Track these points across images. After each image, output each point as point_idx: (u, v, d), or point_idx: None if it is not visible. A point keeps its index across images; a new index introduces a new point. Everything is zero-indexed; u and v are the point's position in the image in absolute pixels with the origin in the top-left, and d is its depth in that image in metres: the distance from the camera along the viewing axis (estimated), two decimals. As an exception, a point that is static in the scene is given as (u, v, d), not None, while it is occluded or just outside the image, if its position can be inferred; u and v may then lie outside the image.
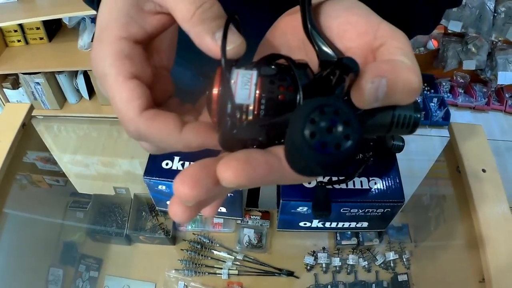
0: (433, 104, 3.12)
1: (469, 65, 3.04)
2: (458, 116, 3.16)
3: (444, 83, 3.27)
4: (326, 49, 0.38)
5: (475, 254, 0.81)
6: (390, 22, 0.41)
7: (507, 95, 3.25)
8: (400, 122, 0.35)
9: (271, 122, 0.34)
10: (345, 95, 0.34)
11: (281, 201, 0.71)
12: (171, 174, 0.73)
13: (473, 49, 2.99)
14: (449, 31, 2.90)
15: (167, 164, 0.74)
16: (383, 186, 0.72)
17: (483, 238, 0.79)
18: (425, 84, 3.26)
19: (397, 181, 0.73)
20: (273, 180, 0.33)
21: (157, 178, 0.74)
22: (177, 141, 0.36)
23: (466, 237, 0.88)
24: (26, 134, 1.08)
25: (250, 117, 0.35)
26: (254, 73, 0.35)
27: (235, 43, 0.36)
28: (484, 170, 0.89)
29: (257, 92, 0.34)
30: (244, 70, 0.35)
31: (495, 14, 2.80)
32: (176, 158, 0.74)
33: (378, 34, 0.38)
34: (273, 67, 0.36)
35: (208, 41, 0.36)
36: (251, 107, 0.35)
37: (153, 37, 0.41)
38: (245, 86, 0.35)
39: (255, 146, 0.35)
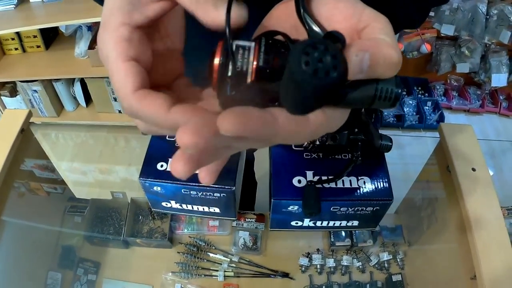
0: (427, 107, 3.14)
1: (463, 68, 3.06)
2: (452, 119, 3.18)
3: (438, 87, 3.28)
4: (316, 29, 0.42)
5: (467, 251, 0.83)
6: None
7: (501, 97, 3.28)
8: (382, 95, 0.38)
9: (266, 86, 0.38)
10: None
11: (272, 200, 0.73)
12: (166, 175, 0.75)
13: (467, 52, 3.01)
14: (442, 35, 2.92)
15: (162, 166, 0.76)
16: (372, 185, 0.74)
17: (473, 236, 0.81)
18: (419, 88, 3.27)
19: (386, 180, 0.75)
20: (266, 133, 0.36)
21: (152, 180, 0.75)
22: (164, 120, 0.38)
23: (457, 235, 0.90)
24: (25, 140, 1.09)
25: (248, 81, 0.38)
26: (252, 44, 0.39)
27: (238, 13, 0.40)
28: (474, 169, 0.90)
29: (255, 61, 0.38)
30: (243, 42, 0.39)
31: (488, 17, 2.82)
32: (170, 160, 0.76)
33: (362, 18, 0.41)
34: (270, 41, 0.40)
35: (212, 12, 0.40)
36: (249, 74, 0.38)
37: (154, 21, 0.44)
38: (244, 55, 0.38)
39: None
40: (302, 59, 0.33)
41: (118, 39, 0.41)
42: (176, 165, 0.38)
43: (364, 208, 0.75)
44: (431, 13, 2.79)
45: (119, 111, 2.99)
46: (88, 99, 3.05)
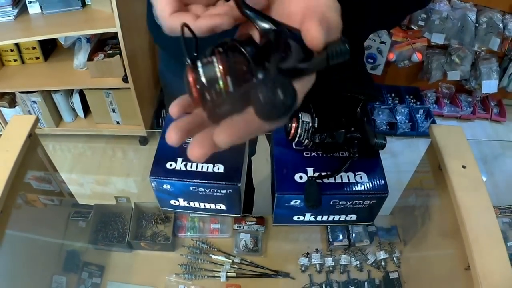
0: (419, 115, 3.18)
1: (454, 75, 3.11)
2: (444, 125, 3.21)
3: (429, 95, 3.32)
4: (262, 23, 0.49)
5: (460, 244, 0.86)
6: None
7: (492, 104, 3.33)
8: (334, 52, 0.45)
9: (239, 89, 0.45)
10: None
11: (276, 195, 0.78)
12: (175, 174, 0.79)
13: (457, 60, 3.05)
14: (433, 43, 2.97)
15: (171, 165, 0.81)
16: (368, 180, 0.79)
17: (466, 228, 0.85)
18: (411, 96, 3.32)
19: (381, 175, 0.79)
20: (253, 131, 0.46)
21: (162, 178, 0.80)
22: (194, 26, 0.50)
23: (450, 229, 0.94)
24: (32, 145, 1.12)
25: (222, 89, 0.45)
26: (213, 58, 0.46)
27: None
28: (464, 166, 0.95)
29: (221, 70, 0.45)
30: (205, 59, 0.46)
31: (477, 25, 2.87)
32: (179, 160, 0.81)
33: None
34: (227, 51, 0.47)
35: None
36: (220, 85, 0.45)
37: None
38: (210, 72, 0.45)
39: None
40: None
41: None
42: (170, 135, 0.49)
43: (362, 202, 0.79)
44: (421, 23, 2.84)
45: (117, 122, 3.02)
46: (86, 110, 3.06)
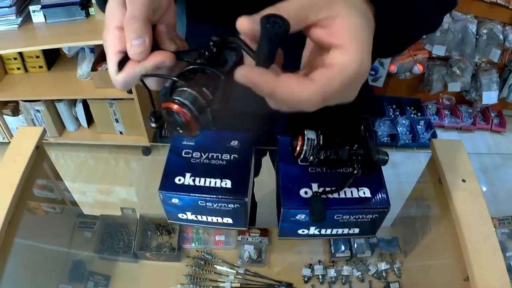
0: (420, 126, 3.20)
1: (454, 87, 3.13)
2: (445, 137, 3.24)
3: (430, 106, 3.35)
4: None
5: (459, 255, 0.89)
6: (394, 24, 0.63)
7: (492, 114, 3.36)
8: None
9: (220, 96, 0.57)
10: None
11: (282, 210, 0.80)
12: (183, 188, 0.82)
13: (458, 71, 3.08)
14: (434, 55, 2.99)
15: (179, 180, 0.83)
16: (371, 195, 0.81)
17: (465, 240, 0.87)
18: (412, 108, 3.34)
19: (383, 190, 0.82)
20: (266, 85, 0.52)
21: (171, 192, 0.82)
22: (140, 67, 0.59)
23: (449, 241, 0.96)
24: (39, 157, 1.13)
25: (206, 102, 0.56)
26: (187, 89, 0.56)
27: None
28: (464, 180, 0.97)
29: (194, 91, 0.55)
30: (180, 91, 0.56)
31: (478, 37, 2.90)
32: (188, 175, 0.83)
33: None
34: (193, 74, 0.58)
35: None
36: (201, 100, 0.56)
37: None
38: (188, 96, 0.55)
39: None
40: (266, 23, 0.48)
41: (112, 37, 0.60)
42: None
43: (364, 216, 0.82)
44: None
45: (121, 132, 3.03)
46: (89, 119, 3.08)
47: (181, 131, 0.59)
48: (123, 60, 0.59)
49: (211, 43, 0.58)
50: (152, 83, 0.62)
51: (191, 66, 0.58)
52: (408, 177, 1.31)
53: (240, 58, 0.59)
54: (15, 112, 3.05)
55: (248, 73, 0.51)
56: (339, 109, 0.60)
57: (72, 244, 1.39)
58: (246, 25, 0.52)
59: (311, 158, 0.80)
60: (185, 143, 0.90)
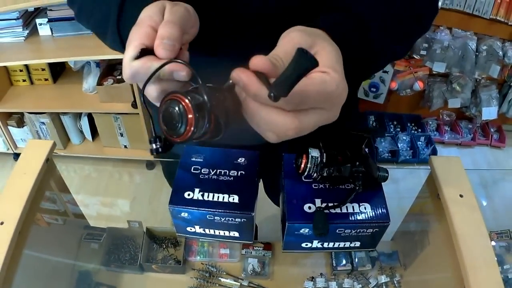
0: (420, 142, 3.23)
1: (454, 103, 3.15)
2: (445, 153, 3.27)
3: (430, 122, 3.38)
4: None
5: (456, 269, 0.92)
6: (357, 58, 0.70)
7: (492, 130, 3.38)
8: None
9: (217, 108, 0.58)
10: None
11: (287, 224, 0.84)
12: (193, 203, 0.85)
13: (458, 87, 3.10)
14: (434, 72, 3.01)
15: (189, 194, 0.86)
16: (372, 210, 0.85)
17: (462, 254, 0.90)
18: (413, 124, 3.37)
19: (383, 205, 0.86)
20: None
21: (180, 206, 0.86)
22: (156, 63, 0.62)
23: (447, 255, 0.99)
24: (49, 170, 1.16)
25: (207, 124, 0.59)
26: (180, 106, 0.58)
27: None
28: (461, 195, 1.00)
29: (189, 114, 0.57)
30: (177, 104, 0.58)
31: (477, 53, 2.92)
32: (197, 190, 0.87)
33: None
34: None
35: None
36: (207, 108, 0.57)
37: None
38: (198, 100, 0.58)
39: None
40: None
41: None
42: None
43: (365, 230, 0.86)
44: (423, 52, 2.89)
45: (125, 146, 3.05)
46: (94, 133, 3.10)
47: (175, 137, 0.60)
48: (144, 51, 0.61)
49: (230, 81, 0.60)
50: (152, 92, 0.64)
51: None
52: (408, 192, 1.34)
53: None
54: (20, 123, 3.07)
55: (244, 73, 0.55)
56: (342, 129, 0.65)
57: (79, 255, 1.41)
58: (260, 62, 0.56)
59: (315, 175, 0.84)
60: (194, 159, 0.94)
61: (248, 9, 0.83)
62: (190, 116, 0.57)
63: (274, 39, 0.63)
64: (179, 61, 0.61)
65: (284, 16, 0.78)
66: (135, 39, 0.62)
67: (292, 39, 0.61)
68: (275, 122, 0.58)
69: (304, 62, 0.51)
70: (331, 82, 0.58)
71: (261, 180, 1.39)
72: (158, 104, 0.64)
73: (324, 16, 0.74)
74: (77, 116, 3.05)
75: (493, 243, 1.36)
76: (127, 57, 0.62)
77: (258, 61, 0.55)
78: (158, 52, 0.61)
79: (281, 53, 0.59)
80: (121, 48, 0.76)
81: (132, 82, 0.64)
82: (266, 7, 0.83)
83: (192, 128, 0.58)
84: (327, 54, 0.61)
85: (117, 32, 0.77)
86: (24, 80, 3.02)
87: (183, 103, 0.57)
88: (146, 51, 0.61)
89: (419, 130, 3.34)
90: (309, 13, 0.78)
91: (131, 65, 0.61)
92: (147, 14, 0.65)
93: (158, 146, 0.65)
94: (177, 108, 0.58)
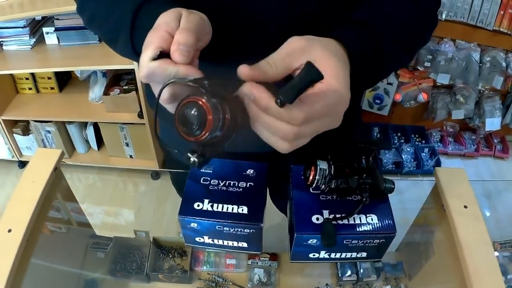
0: (424, 154, 3.23)
1: (458, 114, 3.16)
2: (448, 164, 3.28)
3: (434, 133, 3.38)
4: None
5: (461, 279, 0.93)
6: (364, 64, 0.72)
7: (495, 140, 3.39)
8: None
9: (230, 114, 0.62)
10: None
11: (295, 234, 0.85)
12: (202, 213, 0.87)
13: (461, 99, 3.10)
14: (438, 84, 3.02)
15: (198, 205, 0.88)
16: (378, 221, 0.86)
17: (466, 264, 0.90)
18: (417, 135, 3.37)
19: (389, 216, 0.87)
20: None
21: (190, 217, 0.87)
22: (172, 67, 0.64)
23: (452, 265, 1.00)
24: (57, 178, 1.17)
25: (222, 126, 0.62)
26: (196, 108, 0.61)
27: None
28: (465, 206, 1.01)
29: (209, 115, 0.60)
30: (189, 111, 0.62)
31: (481, 65, 2.93)
32: (206, 201, 0.88)
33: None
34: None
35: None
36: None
37: None
38: (199, 116, 0.61)
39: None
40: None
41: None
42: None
43: (372, 241, 0.87)
44: (427, 64, 2.91)
45: (130, 156, 3.06)
46: (100, 142, 3.11)
47: (192, 138, 0.63)
48: (161, 54, 0.64)
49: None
50: (164, 94, 0.66)
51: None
52: (413, 203, 1.35)
53: None
54: (26, 131, 3.09)
55: (255, 88, 0.60)
56: (350, 142, 0.67)
57: (85, 264, 1.41)
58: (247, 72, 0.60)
59: (323, 186, 0.85)
60: (203, 170, 0.96)
61: (260, 19, 0.86)
62: (209, 117, 0.60)
63: None
64: (194, 68, 0.65)
65: (295, 28, 0.81)
66: (154, 42, 0.65)
67: (289, 44, 0.66)
68: (275, 128, 0.62)
69: (311, 74, 0.55)
70: (334, 93, 0.62)
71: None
72: (168, 107, 0.68)
73: (338, 28, 0.78)
74: (83, 125, 3.07)
75: (496, 253, 1.36)
76: (145, 57, 0.64)
77: (243, 71, 0.61)
78: (174, 57, 0.63)
79: (276, 57, 0.64)
80: (132, 55, 0.80)
81: (147, 81, 0.67)
82: (278, 17, 0.86)
83: (209, 130, 0.61)
84: (327, 61, 0.64)
85: (130, 39, 0.79)
86: (30, 88, 3.05)
87: (203, 104, 0.60)
88: (163, 54, 0.64)
89: (423, 141, 3.35)
90: (320, 26, 0.80)
91: (149, 65, 0.64)
92: (164, 20, 0.68)
93: (197, 157, 0.67)
94: (195, 110, 0.61)
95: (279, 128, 0.61)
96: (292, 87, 0.56)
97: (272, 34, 0.81)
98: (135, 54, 0.76)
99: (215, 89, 0.61)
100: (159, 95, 0.65)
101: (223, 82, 0.63)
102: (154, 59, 0.64)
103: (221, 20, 0.80)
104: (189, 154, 0.66)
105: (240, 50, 0.88)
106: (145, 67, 0.64)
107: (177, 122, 0.64)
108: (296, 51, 0.64)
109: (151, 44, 0.65)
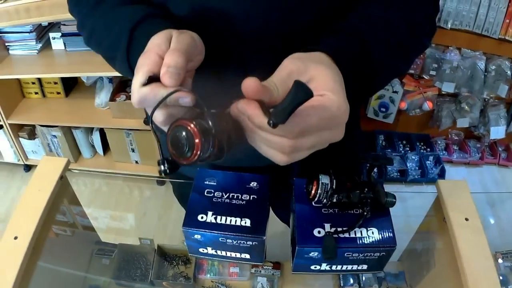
0: (429, 162, 3.24)
1: (463, 122, 3.16)
2: (453, 172, 3.28)
3: (439, 141, 3.38)
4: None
5: None
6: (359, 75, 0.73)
7: (500, 149, 3.39)
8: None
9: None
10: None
11: (297, 247, 0.86)
12: (206, 225, 0.88)
13: (466, 107, 3.10)
14: (443, 92, 3.03)
15: (202, 217, 0.89)
16: (379, 235, 0.87)
17: (466, 276, 0.92)
18: (422, 143, 3.37)
19: (390, 230, 0.88)
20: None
21: (193, 229, 0.88)
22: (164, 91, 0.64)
23: (452, 276, 1.01)
24: (63, 186, 1.19)
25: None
26: (186, 130, 0.63)
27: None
28: (467, 219, 1.02)
29: (196, 139, 0.61)
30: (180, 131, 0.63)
31: (486, 73, 2.93)
32: (210, 213, 0.90)
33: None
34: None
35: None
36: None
37: None
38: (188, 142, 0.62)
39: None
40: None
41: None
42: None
43: (372, 254, 0.88)
44: (433, 72, 2.91)
45: (136, 162, 3.07)
46: (105, 147, 3.11)
47: (182, 159, 0.65)
48: (152, 79, 0.64)
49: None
50: (159, 116, 0.67)
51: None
52: (416, 210, 1.36)
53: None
54: (32, 135, 3.10)
55: (249, 106, 0.60)
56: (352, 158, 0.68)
57: (90, 270, 1.43)
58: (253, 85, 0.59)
59: (325, 200, 0.87)
60: (207, 183, 0.97)
61: (250, 33, 0.86)
62: (196, 140, 0.61)
63: (277, 63, 0.67)
64: (184, 89, 0.65)
65: (285, 40, 0.84)
66: (144, 66, 0.66)
67: (286, 67, 0.65)
68: (273, 141, 0.62)
69: (300, 93, 0.55)
70: (331, 106, 0.62)
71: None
72: (164, 128, 0.68)
73: (326, 38, 0.78)
74: (89, 130, 3.07)
75: (500, 260, 1.37)
76: (136, 83, 0.65)
77: (251, 84, 0.59)
78: (163, 80, 0.64)
79: (275, 80, 0.63)
80: (129, 73, 0.81)
81: (139, 107, 0.67)
82: (267, 29, 0.86)
83: (199, 152, 0.62)
84: (323, 77, 0.65)
85: (127, 58, 0.81)
86: (36, 93, 3.06)
87: (190, 129, 0.61)
88: (153, 78, 0.64)
89: (428, 149, 3.34)
90: (311, 35, 0.81)
91: (140, 91, 0.64)
92: (155, 43, 0.69)
93: (166, 168, 0.68)
94: (184, 134, 0.62)
95: (275, 142, 0.62)
96: (283, 108, 0.56)
97: (267, 49, 0.83)
98: (133, 73, 0.78)
99: (207, 108, 0.63)
100: (151, 119, 0.66)
101: (214, 101, 0.64)
102: (145, 84, 0.64)
103: (217, 36, 0.82)
104: (159, 161, 0.68)
105: (235, 65, 0.90)
106: (136, 92, 0.65)
107: (168, 144, 0.65)
108: (293, 73, 0.64)
109: (141, 69, 0.66)
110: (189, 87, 0.69)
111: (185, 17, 0.84)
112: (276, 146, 0.63)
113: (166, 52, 0.66)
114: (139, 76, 0.65)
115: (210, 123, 0.62)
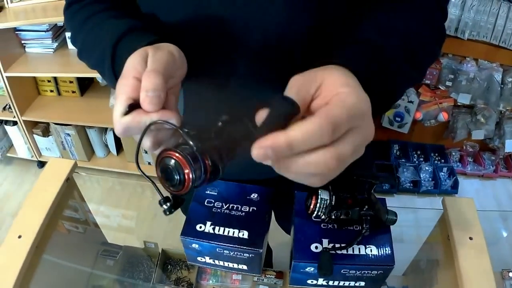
0: (442, 173, 3.21)
1: (478, 134, 3.13)
2: (466, 184, 3.25)
3: (454, 153, 3.36)
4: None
5: None
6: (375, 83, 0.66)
7: (514, 162, 3.35)
8: None
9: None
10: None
11: (293, 262, 0.86)
12: (204, 235, 0.88)
13: (482, 119, 3.08)
14: (459, 103, 3.00)
15: (200, 227, 0.89)
16: (377, 252, 0.86)
17: None
18: (436, 154, 3.35)
19: (389, 248, 0.87)
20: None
21: (192, 238, 0.88)
22: (146, 118, 0.61)
23: None
24: (69, 188, 1.20)
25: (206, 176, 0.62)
26: (173, 161, 0.60)
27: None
28: (471, 238, 1.01)
29: (186, 168, 0.59)
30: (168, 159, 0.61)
31: (502, 85, 2.91)
32: (208, 223, 0.90)
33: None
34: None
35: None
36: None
37: None
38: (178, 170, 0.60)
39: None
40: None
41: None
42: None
43: (370, 272, 0.87)
44: (449, 83, 2.89)
45: (149, 163, 3.08)
46: (119, 148, 3.13)
47: (176, 191, 0.62)
48: (132, 106, 0.61)
49: (220, 123, 0.62)
50: (146, 143, 0.64)
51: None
52: (427, 222, 1.35)
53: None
54: (46, 133, 3.12)
55: (265, 143, 0.52)
56: (352, 175, 0.67)
57: (94, 271, 1.43)
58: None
59: (323, 216, 0.86)
60: (208, 192, 0.97)
61: (249, 41, 0.84)
62: (186, 170, 0.59)
63: (276, 70, 0.65)
64: (166, 112, 0.62)
65: (285, 47, 0.82)
66: (122, 94, 0.63)
67: (293, 85, 0.60)
68: (315, 162, 0.55)
69: (285, 107, 0.54)
70: (350, 97, 0.56)
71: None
72: (155, 152, 0.66)
73: (339, 50, 0.74)
74: (103, 130, 3.09)
75: (510, 274, 1.35)
76: (117, 113, 0.62)
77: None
78: (144, 106, 0.61)
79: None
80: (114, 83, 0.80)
81: (124, 136, 0.65)
82: (267, 37, 0.83)
83: (191, 180, 0.59)
84: (334, 76, 0.60)
85: (113, 74, 0.78)
86: (51, 91, 3.08)
87: (177, 159, 0.59)
88: (134, 106, 0.61)
89: (442, 160, 3.32)
90: (312, 42, 0.80)
91: (122, 122, 0.61)
92: (131, 65, 0.65)
93: (168, 206, 0.69)
94: (172, 165, 0.59)
95: (318, 162, 0.54)
96: (264, 124, 0.54)
97: (267, 55, 0.81)
98: None
99: (188, 130, 0.60)
100: (138, 148, 0.64)
101: (208, 111, 0.63)
102: (126, 113, 0.61)
103: (216, 45, 0.81)
104: (161, 202, 0.68)
105: (233, 73, 0.88)
106: (118, 123, 0.62)
107: (159, 176, 0.64)
108: (302, 87, 0.59)
109: (120, 97, 0.63)
110: (174, 106, 0.67)
111: (179, 25, 0.82)
112: (320, 167, 0.55)
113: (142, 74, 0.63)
114: (118, 106, 0.62)
115: (192, 145, 0.59)
